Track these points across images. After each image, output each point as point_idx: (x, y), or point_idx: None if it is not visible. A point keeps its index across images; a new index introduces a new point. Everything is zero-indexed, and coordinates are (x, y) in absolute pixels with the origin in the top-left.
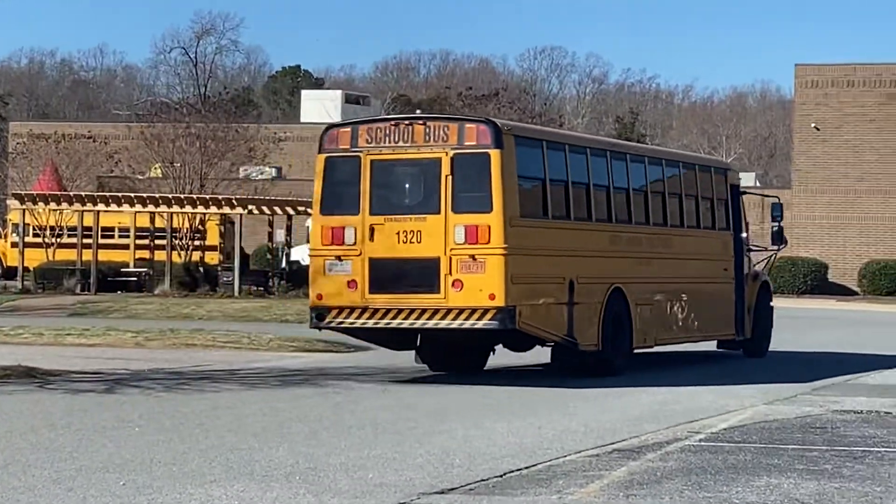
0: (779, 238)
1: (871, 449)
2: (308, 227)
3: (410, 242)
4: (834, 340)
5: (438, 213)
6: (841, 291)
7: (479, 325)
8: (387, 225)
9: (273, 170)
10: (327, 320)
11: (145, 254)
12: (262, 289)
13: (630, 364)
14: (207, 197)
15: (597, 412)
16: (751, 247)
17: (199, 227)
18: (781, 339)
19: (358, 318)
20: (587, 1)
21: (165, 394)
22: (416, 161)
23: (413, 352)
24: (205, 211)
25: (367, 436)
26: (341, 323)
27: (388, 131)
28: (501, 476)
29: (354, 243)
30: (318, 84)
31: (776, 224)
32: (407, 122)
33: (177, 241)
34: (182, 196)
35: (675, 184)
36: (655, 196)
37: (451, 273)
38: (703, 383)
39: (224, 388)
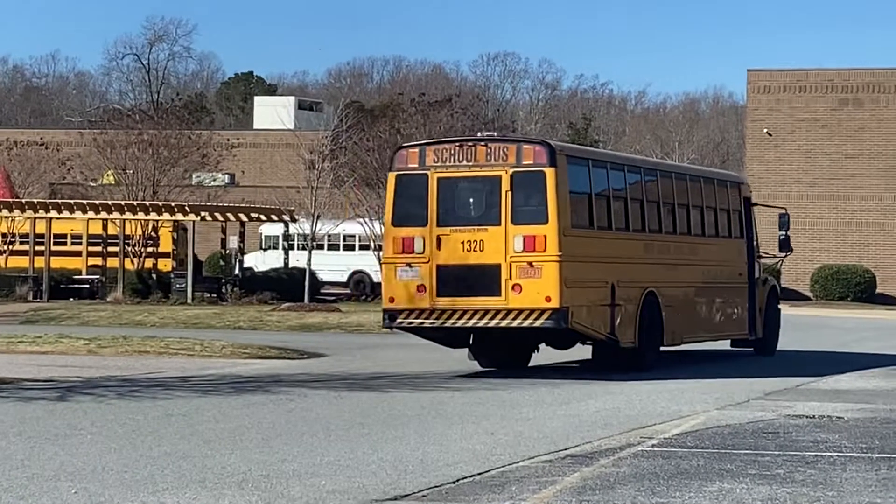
0: (785, 246)
1: (823, 454)
2: (261, 233)
3: (474, 251)
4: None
5: (499, 224)
6: (793, 296)
7: (537, 324)
8: (452, 235)
9: (226, 176)
10: (398, 321)
11: (98, 261)
12: (215, 296)
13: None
14: (160, 204)
15: (550, 418)
16: (760, 253)
17: (152, 233)
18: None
19: (426, 318)
20: (540, 7)
21: (118, 401)
22: (479, 178)
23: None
24: (158, 218)
25: (320, 442)
26: (411, 323)
27: (453, 151)
28: (454, 482)
29: (423, 252)
30: (270, 90)
31: (783, 233)
32: (470, 143)
33: (129, 248)
34: (135, 203)
35: (698, 196)
36: (681, 208)
37: (510, 278)
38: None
39: (177, 395)
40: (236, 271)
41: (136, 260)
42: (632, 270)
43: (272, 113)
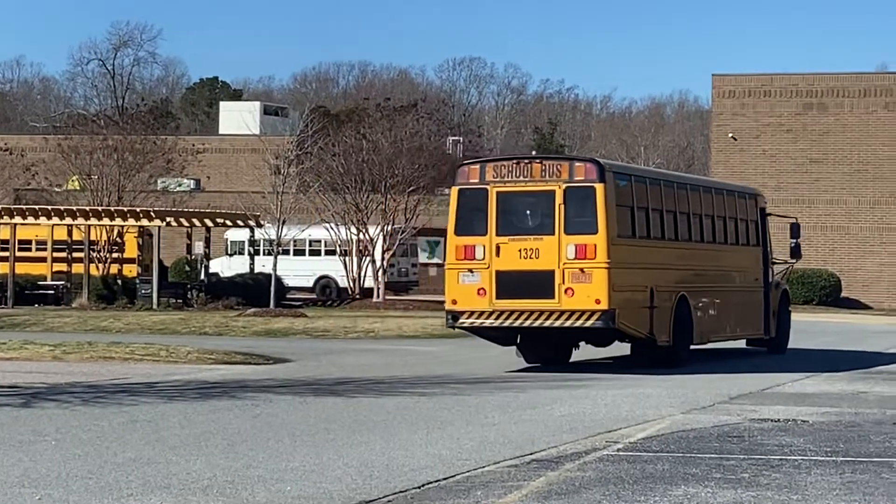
0: (796, 252)
1: (788, 457)
2: (227, 238)
3: (530, 258)
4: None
5: (553, 234)
6: None
7: (588, 324)
8: (510, 244)
9: (191, 182)
10: (460, 321)
11: (63, 267)
12: (180, 301)
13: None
14: (125, 209)
15: (516, 423)
16: (774, 259)
17: (118, 239)
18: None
19: (486, 319)
20: (506, 12)
21: (83, 407)
22: (535, 192)
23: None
24: (123, 223)
25: (285, 448)
26: (472, 323)
27: (510, 168)
28: (420, 487)
29: (483, 258)
30: (236, 95)
31: (794, 241)
32: (527, 160)
33: (95, 254)
34: (100, 208)
35: (721, 208)
36: (707, 218)
37: (563, 282)
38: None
39: (142, 400)
40: (202, 277)
41: (101, 266)
42: (667, 276)
43: (238, 118)
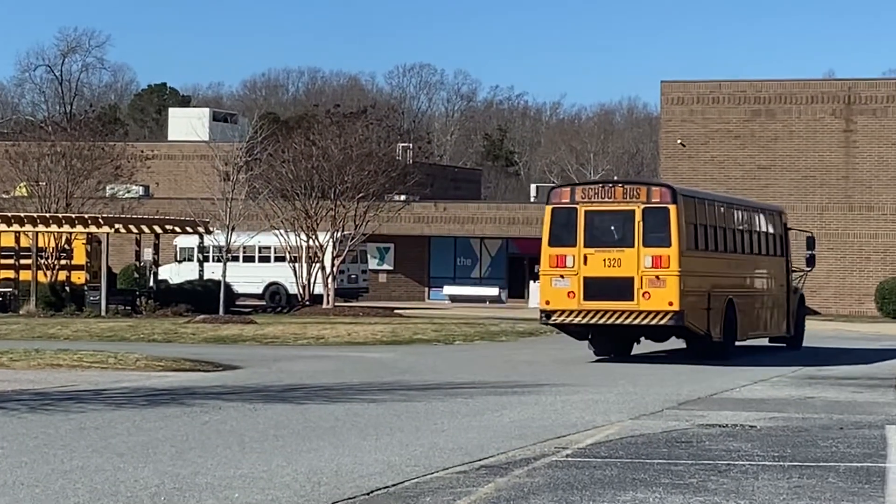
0: (811, 262)
1: (736, 462)
2: (176, 245)
3: (613, 266)
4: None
5: (633, 246)
6: None
7: (661, 322)
8: (596, 254)
9: (140, 188)
10: (553, 319)
11: (10, 273)
12: (129, 308)
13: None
14: (73, 216)
15: (465, 429)
16: (793, 268)
17: (66, 246)
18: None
19: (575, 317)
20: (455, 18)
21: (30, 415)
22: (617, 211)
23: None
24: (71, 230)
25: (233, 455)
26: (563, 320)
27: (596, 191)
28: (368, 494)
29: (573, 266)
30: (185, 102)
31: (810, 252)
32: (610, 184)
33: (42, 261)
34: (48, 215)
35: (756, 223)
36: (747, 233)
37: (641, 287)
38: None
39: (90, 408)
40: (151, 283)
41: (49, 272)
42: (719, 282)
43: (186, 124)
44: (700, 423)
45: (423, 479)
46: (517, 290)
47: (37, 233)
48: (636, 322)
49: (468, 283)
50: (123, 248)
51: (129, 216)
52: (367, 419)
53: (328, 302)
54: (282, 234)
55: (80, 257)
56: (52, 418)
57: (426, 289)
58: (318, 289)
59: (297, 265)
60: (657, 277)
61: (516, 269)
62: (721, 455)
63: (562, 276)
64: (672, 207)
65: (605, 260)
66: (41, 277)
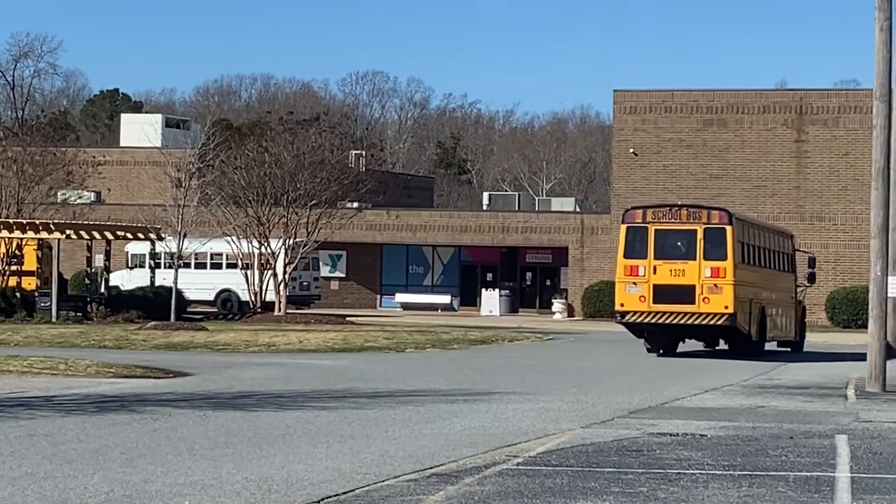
0: (812, 279)
1: (686, 471)
2: (128, 251)
3: (678, 275)
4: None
5: (695, 259)
6: None
7: (718, 323)
8: (663, 265)
9: (92, 194)
10: (626, 319)
11: None
12: (80, 314)
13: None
14: (24, 221)
15: (416, 437)
16: (798, 283)
17: (17, 251)
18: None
19: (646, 318)
20: (408, 26)
21: None
22: (682, 230)
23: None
24: (22, 236)
25: (184, 462)
26: (635, 320)
27: (664, 212)
28: (319, 501)
29: (644, 275)
30: (137, 108)
31: (810, 270)
32: (676, 207)
33: None
34: None
35: (777, 244)
36: (772, 252)
37: (702, 293)
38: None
39: (40, 414)
40: (102, 290)
41: None
42: (758, 292)
43: (139, 130)
44: (651, 432)
45: (373, 486)
46: (469, 299)
47: None
48: (696, 322)
49: (420, 291)
50: (75, 254)
51: (80, 222)
52: (318, 427)
53: (280, 309)
54: (234, 241)
55: (30, 263)
56: (2, 425)
57: (378, 296)
58: (270, 296)
59: (248, 272)
60: (715, 285)
61: (468, 277)
62: (671, 464)
63: (634, 283)
64: (728, 228)
65: (671, 270)
66: None
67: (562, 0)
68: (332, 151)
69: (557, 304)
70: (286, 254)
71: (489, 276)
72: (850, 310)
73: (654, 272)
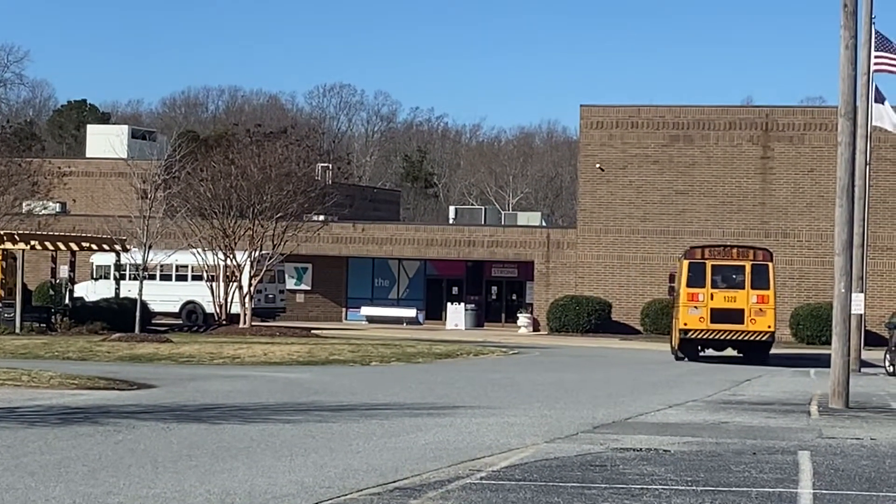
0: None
1: (649, 486)
2: (93, 262)
3: (730, 301)
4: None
5: (744, 289)
6: (624, 330)
7: (762, 339)
8: (718, 293)
9: (57, 205)
10: (689, 335)
11: None
12: (44, 325)
13: None
14: None
15: (380, 450)
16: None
17: None
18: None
19: (704, 335)
20: (376, 39)
21: None
22: (733, 266)
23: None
24: None
25: (146, 474)
26: (696, 336)
27: (719, 251)
28: None
29: (703, 300)
30: (104, 119)
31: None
32: (728, 247)
33: None
34: None
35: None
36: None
37: (750, 316)
38: None
39: (1, 426)
40: (66, 301)
41: None
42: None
43: (105, 141)
44: (614, 447)
45: (336, 500)
46: (435, 312)
47: None
48: (745, 339)
49: (386, 304)
50: (39, 265)
51: (45, 233)
52: (281, 440)
53: (245, 321)
54: (199, 253)
55: None
56: None
57: (344, 309)
58: (236, 308)
59: (214, 284)
60: (760, 309)
61: (434, 290)
62: (635, 479)
63: (696, 307)
64: (770, 264)
65: (724, 297)
66: None
67: (529, 15)
68: (298, 164)
69: (523, 319)
70: (252, 266)
71: (455, 290)
72: (814, 326)
73: (712, 298)
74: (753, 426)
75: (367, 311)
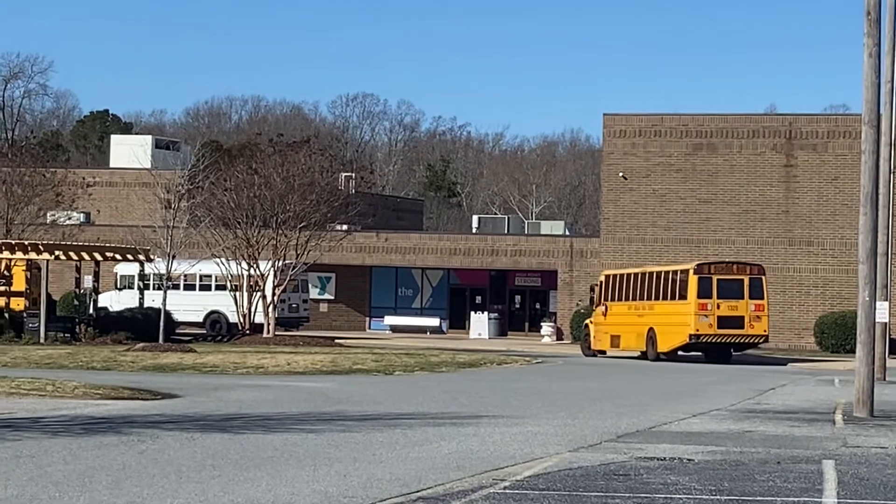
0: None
1: (674, 496)
2: (117, 272)
3: (732, 310)
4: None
5: (743, 299)
6: None
7: (758, 341)
8: (723, 303)
9: (81, 215)
10: (700, 339)
11: None
12: (68, 335)
13: None
14: (13, 242)
15: (403, 460)
16: None
17: (5, 272)
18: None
19: (711, 338)
20: (398, 49)
21: None
22: (734, 279)
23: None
24: (11, 256)
25: (170, 484)
26: (705, 339)
27: (723, 267)
28: None
29: (710, 309)
30: (127, 129)
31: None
32: (730, 264)
33: None
34: None
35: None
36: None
37: (749, 321)
38: None
39: (26, 436)
40: (90, 311)
41: None
42: None
43: (129, 151)
44: (638, 456)
45: None
46: (458, 321)
47: None
48: (745, 341)
49: (409, 314)
50: (63, 275)
51: (69, 243)
52: (305, 449)
53: (269, 331)
54: (223, 263)
55: (19, 284)
56: None
57: (367, 318)
58: (259, 318)
59: (237, 294)
60: (758, 316)
61: (458, 300)
62: (658, 488)
63: (705, 315)
64: (763, 278)
65: (727, 306)
66: None
67: (552, 23)
68: (321, 174)
69: (546, 328)
70: (275, 276)
71: (478, 299)
72: (838, 334)
73: (718, 308)
74: (777, 435)
75: (390, 320)
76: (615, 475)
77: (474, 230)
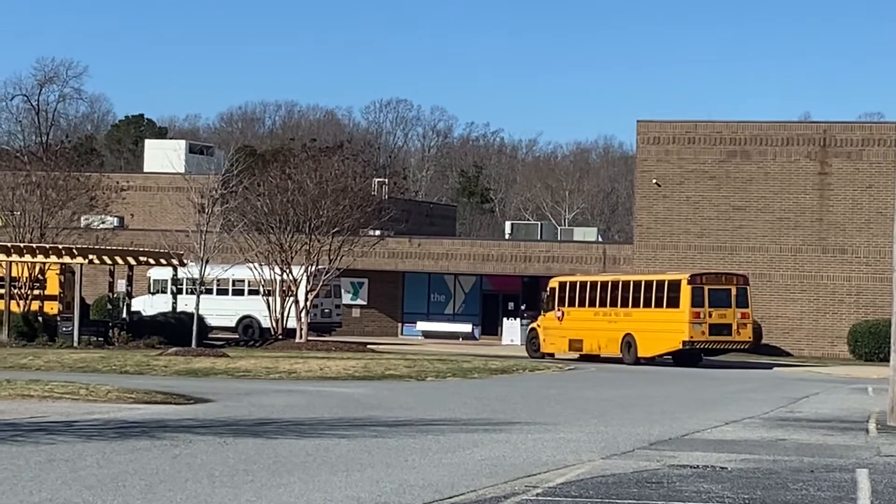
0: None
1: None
2: (150, 276)
3: (722, 318)
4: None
5: (731, 307)
6: None
7: (744, 347)
8: (715, 311)
9: (115, 219)
10: (694, 345)
11: None
12: (101, 339)
13: None
14: (48, 246)
15: (436, 466)
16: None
17: (39, 276)
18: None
19: (703, 343)
20: (432, 54)
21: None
22: (723, 289)
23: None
24: (45, 260)
25: (203, 489)
26: (699, 346)
27: (713, 278)
28: None
29: (703, 318)
30: (161, 133)
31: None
32: (720, 275)
33: (16, 291)
34: (22, 245)
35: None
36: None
37: (736, 328)
38: None
39: (60, 439)
40: (124, 315)
41: (22, 302)
42: None
43: (163, 156)
44: (671, 464)
45: None
46: (491, 328)
47: (10, 262)
48: (732, 347)
49: (441, 320)
50: (97, 279)
51: (103, 247)
52: (337, 455)
53: (301, 336)
54: (256, 268)
55: (53, 287)
56: (22, 449)
57: (399, 324)
58: (292, 323)
59: (270, 299)
60: (744, 323)
61: (490, 306)
62: (691, 496)
63: (698, 323)
64: (748, 287)
65: (718, 314)
66: (14, 307)
67: (585, 30)
68: (354, 179)
69: None
70: (308, 281)
71: (511, 305)
72: (872, 343)
73: (710, 316)
74: (811, 443)
75: (422, 326)
76: (648, 483)
77: (507, 236)
